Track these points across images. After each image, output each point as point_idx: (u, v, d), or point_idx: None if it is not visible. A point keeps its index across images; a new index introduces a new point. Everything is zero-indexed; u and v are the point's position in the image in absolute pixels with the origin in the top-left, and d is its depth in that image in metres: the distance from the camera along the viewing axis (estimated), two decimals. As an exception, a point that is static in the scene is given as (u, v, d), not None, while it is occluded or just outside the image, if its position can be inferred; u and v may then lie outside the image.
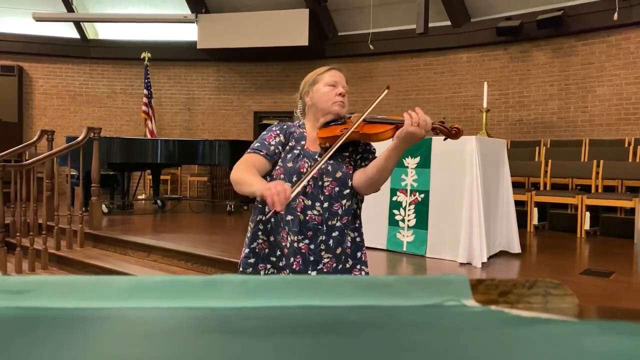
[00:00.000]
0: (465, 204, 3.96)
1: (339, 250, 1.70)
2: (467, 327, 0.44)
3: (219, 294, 0.50)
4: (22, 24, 9.79)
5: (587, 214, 5.57)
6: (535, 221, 5.93)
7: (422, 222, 4.25)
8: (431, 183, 4.20)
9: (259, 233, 1.75)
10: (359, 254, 1.77)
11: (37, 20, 9.46)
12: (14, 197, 4.96)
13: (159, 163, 7.22)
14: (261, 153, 1.71)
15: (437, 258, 4.13)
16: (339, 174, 1.70)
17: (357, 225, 1.78)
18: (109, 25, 10.10)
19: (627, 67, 7.09)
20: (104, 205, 6.50)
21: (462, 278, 0.53)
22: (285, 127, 1.81)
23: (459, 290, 0.52)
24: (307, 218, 1.67)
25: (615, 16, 6.77)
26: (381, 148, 1.67)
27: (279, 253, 1.72)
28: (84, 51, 10.16)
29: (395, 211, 4.40)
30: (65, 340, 0.40)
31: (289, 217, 1.68)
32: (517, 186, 5.57)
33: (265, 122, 9.84)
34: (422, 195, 4.25)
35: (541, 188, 6.29)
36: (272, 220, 1.71)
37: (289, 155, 1.73)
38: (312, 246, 1.67)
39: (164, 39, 10.02)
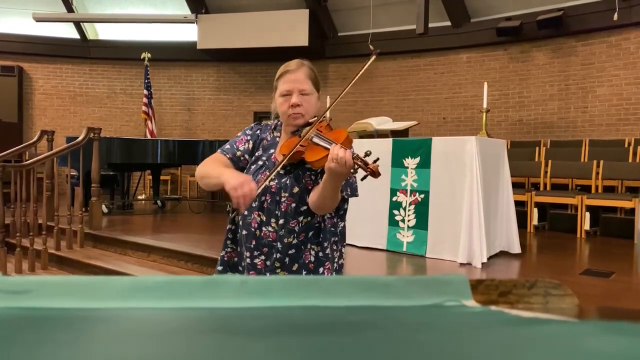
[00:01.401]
0: (465, 204, 3.96)
1: (295, 267, 1.61)
2: (467, 327, 0.44)
3: (218, 294, 0.50)
4: (22, 24, 9.80)
5: (587, 214, 5.57)
6: (535, 221, 5.93)
7: (422, 222, 4.25)
8: (431, 183, 4.20)
9: (228, 242, 1.72)
10: (321, 269, 1.63)
11: (37, 21, 9.47)
12: (14, 197, 4.96)
13: (159, 163, 7.22)
14: (227, 156, 1.67)
15: (437, 258, 4.13)
16: (295, 190, 1.59)
17: (320, 239, 1.63)
18: (109, 25, 10.11)
19: (627, 68, 7.09)
20: (104, 206, 6.50)
21: (462, 278, 0.53)
22: (258, 132, 1.73)
23: (459, 291, 0.52)
24: (262, 234, 1.60)
25: (615, 16, 6.77)
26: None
27: (243, 264, 1.67)
28: (84, 51, 10.17)
29: (395, 211, 4.40)
30: (65, 340, 0.40)
31: (244, 232, 1.63)
32: (517, 186, 5.57)
33: (265, 122, 9.83)
34: (422, 196, 4.25)
35: (541, 188, 6.29)
36: (239, 231, 1.67)
37: (252, 166, 1.66)
38: (267, 262, 1.61)
39: (164, 39, 10.03)
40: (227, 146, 1.70)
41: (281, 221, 1.59)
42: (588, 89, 7.41)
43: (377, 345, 0.39)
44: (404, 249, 4.32)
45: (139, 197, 8.63)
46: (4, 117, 9.50)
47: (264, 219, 1.60)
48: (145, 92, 9.35)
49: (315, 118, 1.63)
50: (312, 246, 1.62)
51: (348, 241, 4.83)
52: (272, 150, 1.68)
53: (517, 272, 3.97)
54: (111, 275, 0.53)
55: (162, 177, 8.48)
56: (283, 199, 1.59)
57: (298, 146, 1.53)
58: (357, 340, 0.40)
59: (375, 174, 1.46)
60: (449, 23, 8.41)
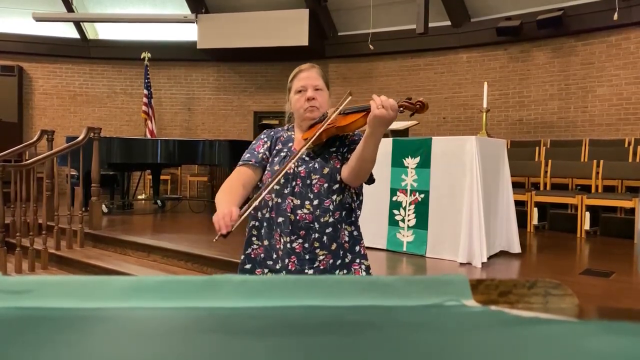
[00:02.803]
0: (465, 204, 3.96)
1: (334, 246, 1.70)
2: (467, 327, 0.44)
3: (218, 294, 0.50)
4: (22, 24, 9.79)
5: (587, 214, 5.57)
6: (535, 221, 5.93)
7: (422, 222, 4.25)
8: (431, 183, 4.20)
9: (253, 238, 1.77)
10: (357, 248, 1.76)
11: (37, 20, 9.46)
12: (14, 197, 4.96)
13: (158, 163, 7.22)
14: (250, 162, 1.76)
15: (437, 258, 4.13)
16: (326, 170, 1.70)
17: (353, 219, 1.77)
18: (109, 25, 10.10)
19: (627, 67, 7.09)
20: (103, 205, 6.50)
21: (462, 278, 0.53)
22: (272, 133, 1.85)
23: (459, 291, 0.52)
24: (298, 218, 1.67)
25: (615, 16, 6.77)
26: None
27: (274, 256, 1.72)
28: (84, 51, 10.16)
29: (395, 211, 4.40)
30: (65, 340, 0.40)
31: (280, 219, 1.69)
32: (517, 186, 5.57)
33: (265, 122, 9.84)
34: (422, 195, 4.25)
35: (541, 188, 6.29)
36: (265, 224, 1.73)
37: (275, 159, 1.76)
38: (306, 245, 1.68)
39: (164, 39, 10.03)
40: (247, 155, 1.79)
41: (316, 202, 1.68)
42: (588, 89, 7.41)
43: (377, 345, 0.39)
44: (404, 249, 4.32)
45: (139, 197, 8.63)
46: (4, 116, 9.50)
47: (298, 202, 1.68)
48: (145, 91, 9.35)
49: (332, 109, 1.73)
50: (346, 226, 1.74)
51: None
52: (290, 144, 1.80)
53: (517, 272, 3.97)
54: (111, 275, 0.53)
55: (162, 177, 8.48)
56: (314, 181, 1.69)
57: (326, 125, 1.64)
58: (357, 340, 0.40)
59: (424, 105, 1.58)
60: (449, 23, 8.41)
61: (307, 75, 1.78)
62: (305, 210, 1.67)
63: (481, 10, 8.19)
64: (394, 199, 4.41)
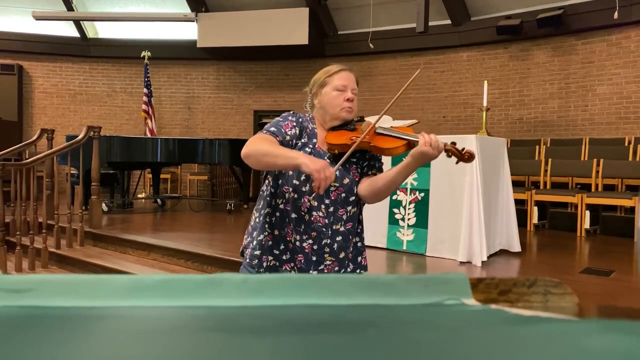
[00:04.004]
0: (465, 203, 3.96)
1: (342, 255, 1.72)
2: (467, 326, 0.44)
3: (219, 293, 0.50)
4: (21, 23, 9.79)
5: (587, 213, 5.57)
6: (535, 220, 5.93)
7: (422, 220, 4.25)
8: (431, 182, 4.20)
9: (266, 226, 1.74)
10: (359, 259, 1.79)
11: (36, 19, 9.46)
12: (14, 195, 4.96)
13: (159, 162, 7.21)
14: (277, 138, 1.66)
15: (437, 257, 4.13)
16: (346, 181, 1.70)
17: (359, 230, 1.79)
18: (109, 24, 10.10)
19: (627, 66, 7.08)
20: (104, 204, 6.50)
21: (462, 277, 0.53)
22: (301, 119, 1.77)
23: (459, 289, 0.52)
24: (312, 219, 1.67)
25: (616, 15, 6.76)
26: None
27: (282, 247, 1.72)
28: (84, 50, 10.16)
29: (395, 210, 4.40)
30: (65, 339, 0.40)
31: (294, 215, 1.69)
32: (517, 185, 5.57)
33: (265, 120, 9.83)
34: (422, 194, 4.25)
35: (541, 187, 6.29)
36: (278, 214, 1.72)
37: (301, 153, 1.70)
38: (315, 247, 1.68)
39: (163, 38, 10.02)
40: (273, 129, 1.68)
41: (331, 209, 1.69)
42: (588, 88, 7.41)
43: (377, 343, 0.39)
44: (404, 248, 4.32)
45: (139, 196, 8.63)
46: (4, 115, 9.49)
47: (315, 204, 1.68)
48: (145, 90, 9.35)
49: (357, 118, 1.77)
50: (353, 237, 1.77)
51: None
52: (315, 140, 1.76)
53: (517, 271, 3.97)
54: (111, 274, 0.53)
55: (162, 176, 8.48)
56: (332, 189, 1.69)
57: (363, 137, 1.65)
58: (357, 339, 0.40)
59: (472, 157, 1.67)
60: (449, 21, 8.41)
61: (349, 77, 1.76)
62: (321, 214, 1.68)
63: (481, 8, 8.19)
64: (394, 197, 4.41)
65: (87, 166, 5.69)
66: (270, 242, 1.74)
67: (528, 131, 7.95)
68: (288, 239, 1.71)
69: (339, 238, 1.70)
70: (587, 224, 5.58)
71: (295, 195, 1.68)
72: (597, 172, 5.93)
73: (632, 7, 6.81)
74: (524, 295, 0.52)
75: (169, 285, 0.51)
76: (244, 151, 1.60)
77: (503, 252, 4.37)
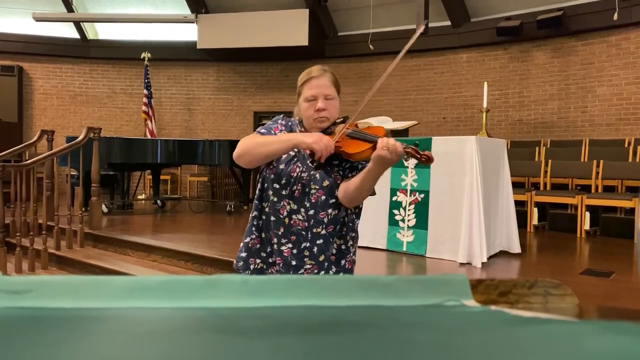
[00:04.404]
0: (465, 204, 3.96)
1: (321, 258, 1.68)
2: (467, 327, 0.44)
3: (219, 294, 0.50)
4: (22, 24, 9.79)
5: (587, 214, 5.56)
6: (535, 221, 5.93)
7: (422, 222, 4.25)
8: (431, 183, 4.20)
9: (253, 229, 1.76)
10: (342, 262, 1.73)
11: (37, 20, 9.46)
12: (14, 197, 4.96)
13: (159, 163, 7.22)
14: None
15: (437, 258, 4.13)
16: (326, 183, 1.67)
17: (344, 232, 1.72)
18: (109, 25, 10.10)
19: (627, 67, 7.09)
20: (103, 205, 6.50)
21: (462, 278, 0.53)
22: (290, 123, 1.79)
23: (459, 290, 0.52)
24: (292, 222, 1.66)
25: (615, 16, 6.77)
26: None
27: (269, 249, 1.73)
28: (84, 51, 10.16)
29: (395, 211, 4.40)
30: (65, 340, 0.40)
31: (273, 218, 1.69)
32: (517, 186, 5.57)
33: (265, 122, 9.84)
34: (422, 195, 4.25)
35: (541, 188, 6.29)
36: (264, 217, 1.72)
37: (284, 156, 1.70)
38: (294, 251, 1.66)
39: (163, 39, 10.03)
40: (264, 130, 1.72)
41: (311, 212, 1.66)
42: (588, 89, 7.41)
43: (377, 344, 0.39)
44: (404, 249, 4.32)
45: (139, 197, 8.63)
46: (4, 116, 9.50)
47: (294, 207, 1.66)
48: (145, 91, 9.35)
49: (341, 119, 1.72)
50: (336, 239, 1.71)
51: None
52: None
53: (517, 272, 3.97)
54: (111, 275, 0.53)
55: (162, 177, 8.48)
56: (313, 191, 1.67)
57: (334, 142, 1.61)
58: (357, 340, 0.40)
59: (429, 159, 1.58)
60: (449, 23, 8.41)
61: (318, 84, 1.70)
62: (301, 217, 1.66)
63: (481, 10, 8.19)
64: (394, 198, 4.41)
65: (87, 167, 5.69)
66: (257, 245, 1.75)
67: (528, 132, 7.96)
68: (272, 241, 1.71)
69: (319, 241, 1.67)
70: (587, 225, 5.58)
71: (275, 199, 1.68)
72: (597, 173, 5.93)
73: (631, 9, 6.82)
74: (524, 296, 0.52)
75: (168, 286, 0.51)
76: (236, 152, 1.63)
77: (503, 253, 4.37)
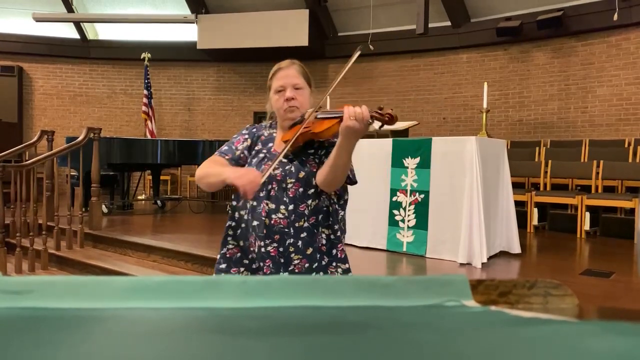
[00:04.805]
0: (465, 205, 3.96)
1: (309, 251, 1.66)
2: (467, 328, 0.44)
3: (219, 294, 0.50)
4: (22, 24, 9.80)
5: (587, 214, 5.56)
6: (535, 221, 5.93)
7: (422, 222, 4.25)
8: (431, 183, 4.20)
9: (229, 238, 1.75)
10: (334, 251, 1.72)
11: (37, 21, 9.47)
12: (14, 197, 4.96)
13: (159, 163, 7.22)
14: (226, 157, 1.73)
15: (437, 258, 4.13)
16: (301, 174, 1.66)
17: (330, 222, 1.70)
18: (109, 25, 10.11)
19: (627, 68, 7.09)
20: (103, 206, 6.50)
21: (462, 278, 0.53)
22: (254, 130, 1.81)
23: (459, 291, 0.52)
24: (272, 222, 1.64)
25: (615, 16, 6.77)
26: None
27: (250, 257, 1.72)
28: (84, 51, 10.17)
29: (395, 211, 4.40)
30: (65, 340, 0.40)
31: (255, 223, 1.67)
32: (517, 186, 5.57)
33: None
34: (422, 196, 4.25)
35: (541, 188, 6.29)
36: (243, 225, 1.71)
37: (254, 160, 1.72)
38: (280, 249, 1.65)
39: (164, 40, 10.03)
40: (225, 148, 1.76)
41: (291, 207, 1.65)
42: (588, 89, 7.42)
43: (377, 345, 0.39)
44: (404, 249, 4.32)
45: (139, 197, 8.63)
46: (4, 117, 9.50)
47: (273, 206, 1.65)
48: (145, 92, 9.35)
49: (311, 109, 1.69)
50: (323, 229, 1.70)
51: (348, 241, 4.78)
52: (270, 144, 1.76)
53: (517, 272, 3.97)
54: (111, 276, 0.53)
55: (162, 177, 8.48)
56: (290, 185, 1.65)
57: (302, 128, 1.61)
58: (357, 340, 0.40)
59: (393, 118, 1.55)
60: (449, 23, 8.41)
61: (286, 74, 1.71)
62: (280, 215, 1.64)
63: (481, 10, 8.20)
64: (394, 199, 4.41)
65: (87, 168, 5.69)
66: (238, 254, 1.74)
67: (528, 133, 7.96)
68: (252, 249, 1.69)
69: (303, 235, 1.65)
70: (587, 226, 5.58)
71: (255, 203, 1.67)
72: (597, 173, 5.93)
73: (631, 9, 6.82)
74: (524, 296, 0.52)
75: (169, 286, 0.51)
76: (195, 176, 1.72)
77: (503, 254, 4.37)
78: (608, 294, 3.30)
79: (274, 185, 1.66)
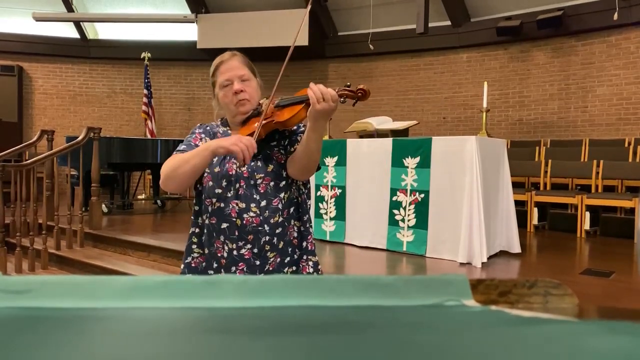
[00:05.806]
0: (465, 204, 3.96)
1: (281, 245, 1.58)
2: (467, 327, 0.44)
3: (219, 294, 0.50)
4: (22, 24, 9.79)
5: (587, 214, 5.56)
6: (535, 221, 5.93)
7: (422, 222, 4.25)
8: (431, 183, 4.20)
9: (194, 247, 1.65)
10: (304, 244, 1.65)
11: (37, 20, 9.46)
12: (14, 197, 4.96)
13: (159, 163, 7.21)
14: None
15: (437, 258, 4.13)
16: (270, 168, 1.58)
17: (300, 213, 1.64)
18: (109, 25, 10.10)
19: (627, 67, 7.09)
20: (103, 205, 6.50)
21: (462, 278, 0.53)
22: (208, 128, 1.71)
23: (459, 290, 0.52)
24: (245, 222, 1.54)
25: (615, 16, 6.77)
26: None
27: (216, 265, 1.59)
28: (84, 51, 10.16)
29: (395, 211, 4.40)
30: (65, 340, 0.40)
31: (224, 225, 1.56)
32: (517, 186, 5.57)
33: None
34: (422, 195, 4.25)
35: (541, 188, 6.29)
36: (206, 231, 1.61)
37: (214, 160, 1.59)
38: (255, 250, 1.55)
39: (163, 39, 10.03)
40: (183, 146, 1.62)
41: (263, 203, 1.56)
42: (588, 89, 7.42)
43: (377, 345, 0.39)
44: (404, 249, 4.32)
45: (139, 197, 8.63)
46: (4, 116, 9.49)
47: (243, 205, 1.55)
48: (145, 91, 9.35)
49: (264, 99, 1.63)
50: (294, 222, 1.63)
51: (348, 241, 4.77)
52: None
53: (517, 272, 3.97)
54: (111, 275, 0.53)
55: (162, 177, 8.47)
56: (259, 181, 1.57)
57: (263, 120, 1.53)
58: (357, 340, 0.40)
59: (365, 93, 1.49)
60: (449, 23, 8.41)
61: (230, 66, 1.63)
62: (252, 214, 1.54)
63: (481, 10, 8.19)
64: (394, 198, 4.41)
65: (87, 167, 5.69)
66: (204, 263, 1.64)
67: (528, 132, 7.96)
68: (219, 254, 1.58)
69: (278, 230, 1.57)
70: (587, 225, 5.58)
71: (222, 204, 1.56)
72: (597, 173, 5.93)
73: (631, 9, 6.82)
74: (524, 296, 0.52)
75: (169, 286, 0.51)
76: (161, 179, 1.55)
77: (503, 253, 4.37)
78: (608, 294, 3.30)
79: (242, 184, 1.56)
